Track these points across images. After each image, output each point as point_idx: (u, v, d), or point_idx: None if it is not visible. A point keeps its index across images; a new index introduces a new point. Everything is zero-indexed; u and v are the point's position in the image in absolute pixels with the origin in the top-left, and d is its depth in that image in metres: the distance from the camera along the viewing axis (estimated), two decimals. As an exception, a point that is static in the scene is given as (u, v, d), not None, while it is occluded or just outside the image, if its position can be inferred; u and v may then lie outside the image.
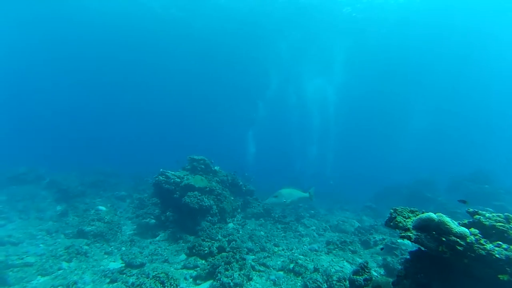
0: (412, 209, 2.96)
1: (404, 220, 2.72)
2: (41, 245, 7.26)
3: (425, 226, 2.57)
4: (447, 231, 2.49)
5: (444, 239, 2.49)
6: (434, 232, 2.55)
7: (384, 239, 8.76)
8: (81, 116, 51.96)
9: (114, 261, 6.35)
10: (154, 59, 35.26)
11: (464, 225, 2.77)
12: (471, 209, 2.88)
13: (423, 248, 2.57)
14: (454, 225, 2.52)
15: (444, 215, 2.51)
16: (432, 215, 2.53)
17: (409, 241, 2.57)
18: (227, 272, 5.41)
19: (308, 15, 22.85)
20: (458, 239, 2.47)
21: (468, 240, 2.50)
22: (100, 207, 9.28)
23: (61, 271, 5.52)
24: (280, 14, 23.13)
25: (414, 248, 2.84)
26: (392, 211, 2.91)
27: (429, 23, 23.33)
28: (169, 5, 23.33)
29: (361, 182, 27.50)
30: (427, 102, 36.59)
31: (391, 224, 2.77)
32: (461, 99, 36.59)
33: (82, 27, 27.25)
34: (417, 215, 2.80)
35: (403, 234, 2.56)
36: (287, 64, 30.24)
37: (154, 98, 50.10)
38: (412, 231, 2.55)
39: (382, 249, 8.02)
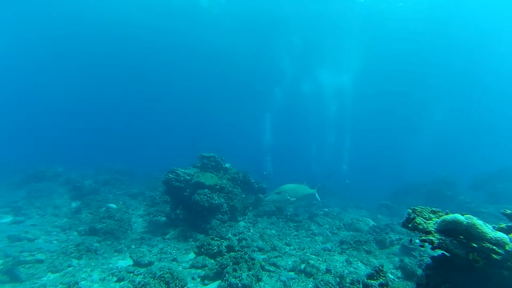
0: (433, 209, 2.61)
1: (425, 222, 2.39)
2: (54, 241, 7.38)
3: (450, 230, 2.25)
4: (479, 236, 2.14)
5: (475, 245, 2.15)
6: (462, 237, 2.22)
7: (400, 239, 8.37)
8: (98, 116, 53.41)
9: (123, 259, 6.34)
10: (167, 57, 35.52)
11: (501, 229, 2.41)
12: (509, 211, 2.51)
13: (447, 254, 2.27)
14: (489, 230, 2.17)
15: (474, 217, 2.16)
16: (460, 216, 2.22)
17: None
18: (235, 273, 5.25)
19: (323, 7, 22.24)
20: (494, 247, 2.12)
21: (507, 248, 2.14)
22: (111, 205, 9.36)
23: (70, 268, 5.54)
24: (293, 6, 22.60)
25: (436, 252, 2.52)
26: (410, 211, 2.57)
27: (450, 19, 22.33)
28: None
29: (376, 180, 26.79)
30: (446, 97, 35.06)
31: (409, 225, 2.45)
32: (484, 94, 34.77)
33: (97, 23, 27.38)
34: (440, 216, 2.46)
35: (423, 237, 2.25)
36: (301, 58, 29.64)
37: (169, 96, 50.71)
38: (435, 234, 2.22)
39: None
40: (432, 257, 2.53)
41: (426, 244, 2.32)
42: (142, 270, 5.63)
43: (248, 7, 23.57)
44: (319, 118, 35.60)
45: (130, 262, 6.15)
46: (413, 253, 6.95)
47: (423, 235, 2.27)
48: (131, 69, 39.90)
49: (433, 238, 2.17)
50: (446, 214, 2.45)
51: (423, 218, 2.42)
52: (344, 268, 6.56)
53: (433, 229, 2.26)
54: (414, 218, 2.44)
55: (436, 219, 2.35)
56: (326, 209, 13.39)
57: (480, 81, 31.33)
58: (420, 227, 2.34)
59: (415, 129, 43.94)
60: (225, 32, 27.63)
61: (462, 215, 2.20)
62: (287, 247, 7.98)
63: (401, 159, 42.58)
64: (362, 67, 28.24)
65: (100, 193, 13.12)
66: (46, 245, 6.84)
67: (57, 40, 30.89)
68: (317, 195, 8.84)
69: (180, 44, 31.23)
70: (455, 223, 2.15)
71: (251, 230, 8.92)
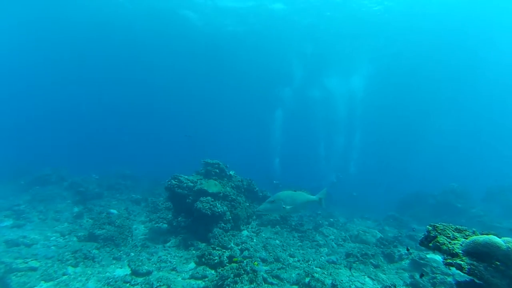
0: (458, 227, 2.27)
1: (449, 242, 2.10)
2: (52, 247, 7.21)
3: (483, 253, 1.87)
4: (524, 265, 1.75)
5: None
6: (498, 263, 1.84)
7: (410, 253, 7.98)
8: (104, 120, 53.95)
9: (121, 268, 6.12)
10: (177, 62, 35.66)
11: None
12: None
13: (478, 281, 1.86)
14: (537, 258, 1.76)
15: (515, 241, 1.85)
16: (496, 239, 1.85)
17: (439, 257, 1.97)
18: (236, 285, 4.99)
19: (334, 14, 22.16)
20: (547, 279, 1.69)
21: None
22: (112, 210, 9.19)
23: (65, 276, 5.34)
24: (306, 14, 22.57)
25: (462, 277, 2.17)
26: (430, 228, 2.23)
27: (460, 23, 22.02)
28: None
29: (383, 189, 26.21)
30: (458, 103, 34.06)
31: (430, 245, 2.16)
32: (500, 101, 33.51)
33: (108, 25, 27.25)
34: (466, 235, 2.15)
35: (449, 260, 1.94)
36: (310, 64, 29.42)
37: (176, 101, 50.87)
38: (464, 258, 1.92)
39: (407, 249, 7.18)
40: (458, 283, 2.20)
41: (436, 258, 2.01)
42: (139, 280, 5.40)
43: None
44: (326, 124, 35.26)
45: (128, 271, 5.93)
46: (425, 269, 6.58)
47: (448, 257, 1.97)
48: (138, 73, 40.23)
49: (461, 262, 1.85)
50: (473, 233, 2.16)
51: (446, 237, 2.12)
52: (351, 283, 6.23)
53: (460, 251, 1.97)
54: (435, 237, 2.14)
55: (463, 239, 2.06)
56: (332, 219, 13.03)
57: (496, 87, 30.35)
58: (444, 247, 2.02)
59: (423, 136, 43.07)
60: (230, 36, 27.69)
61: (499, 237, 1.88)
62: (291, 258, 7.68)
63: (408, 167, 41.71)
64: (371, 72, 27.93)
65: (103, 198, 13.02)
66: (43, 251, 6.67)
67: (64, 42, 31.25)
68: (322, 202, 8.21)
69: (188, 49, 31.33)
70: (490, 247, 1.82)
71: (254, 240, 8.64)
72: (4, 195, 12.63)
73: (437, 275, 5.98)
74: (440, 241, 2.04)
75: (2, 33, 28.90)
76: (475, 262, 1.79)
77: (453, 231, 2.17)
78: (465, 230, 2.21)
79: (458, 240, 2.06)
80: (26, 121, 49.19)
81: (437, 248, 2.05)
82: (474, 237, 1.92)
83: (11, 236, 7.54)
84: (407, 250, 7.04)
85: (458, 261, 1.85)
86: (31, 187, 14.02)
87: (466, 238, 2.05)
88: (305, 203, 7.21)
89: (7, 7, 23.46)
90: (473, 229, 2.20)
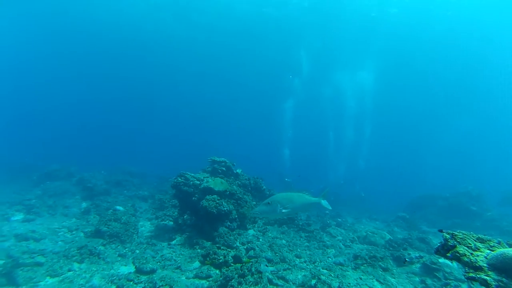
0: (480, 236, 2.00)
1: (471, 253, 1.89)
2: (60, 242, 7.28)
3: None
4: None
5: None
6: None
7: (421, 257, 7.73)
8: (114, 117, 54.67)
9: (125, 265, 6.11)
10: (183, 60, 35.75)
11: None
12: None
13: None
14: None
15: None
16: None
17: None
18: (240, 286, 4.89)
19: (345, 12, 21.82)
20: None
21: None
22: (118, 207, 9.23)
23: (70, 272, 5.33)
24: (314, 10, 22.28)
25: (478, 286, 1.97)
26: (448, 236, 1.98)
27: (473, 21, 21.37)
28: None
29: (391, 190, 25.75)
30: (473, 101, 32.90)
31: (448, 255, 1.96)
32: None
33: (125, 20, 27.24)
34: (491, 246, 1.93)
35: (471, 274, 1.74)
36: (319, 61, 29.04)
37: (186, 98, 51.14)
38: (489, 273, 1.71)
39: (405, 261, 7.07)
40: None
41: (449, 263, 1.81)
42: (143, 278, 5.35)
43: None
44: (336, 121, 34.82)
45: (132, 268, 5.90)
46: (437, 274, 6.34)
47: (471, 270, 1.77)
48: (149, 71, 40.58)
49: (487, 277, 1.64)
50: (499, 244, 1.96)
51: (467, 247, 1.91)
52: (359, 287, 6.06)
53: (484, 265, 1.77)
54: (454, 246, 1.94)
55: (488, 251, 1.85)
56: (339, 219, 12.85)
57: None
58: (465, 259, 1.81)
59: (436, 137, 42.03)
60: (235, 34, 27.59)
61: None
62: (297, 259, 7.54)
63: (419, 168, 40.80)
64: (381, 70, 27.38)
65: (111, 194, 13.11)
66: (51, 246, 6.73)
67: (75, 39, 31.70)
68: (323, 202, 7.80)
69: (192, 45, 31.33)
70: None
71: (260, 239, 8.53)
72: (16, 190, 12.90)
73: (451, 281, 5.74)
74: (460, 252, 1.83)
75: (15, 32, 29.52)
76: (504, 279, 1.57)
77: (475, 240, 1.93)
78: (489, 241, 1.97)
79: (481, 252, 1.84)
80: (37, 118, 50.32)
81: (457, 259, 1.84)
82: (503, 250, 1.71)
83: (21, 230, 7.66)
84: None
85: (483, 276, 1.64)
86: (42, 182, 14.28)
87: (492, 250, 1.84)
88: (305, 205, 6.84)
89: (6, 7, 23.80)
90: (499, 239, 1.98)
